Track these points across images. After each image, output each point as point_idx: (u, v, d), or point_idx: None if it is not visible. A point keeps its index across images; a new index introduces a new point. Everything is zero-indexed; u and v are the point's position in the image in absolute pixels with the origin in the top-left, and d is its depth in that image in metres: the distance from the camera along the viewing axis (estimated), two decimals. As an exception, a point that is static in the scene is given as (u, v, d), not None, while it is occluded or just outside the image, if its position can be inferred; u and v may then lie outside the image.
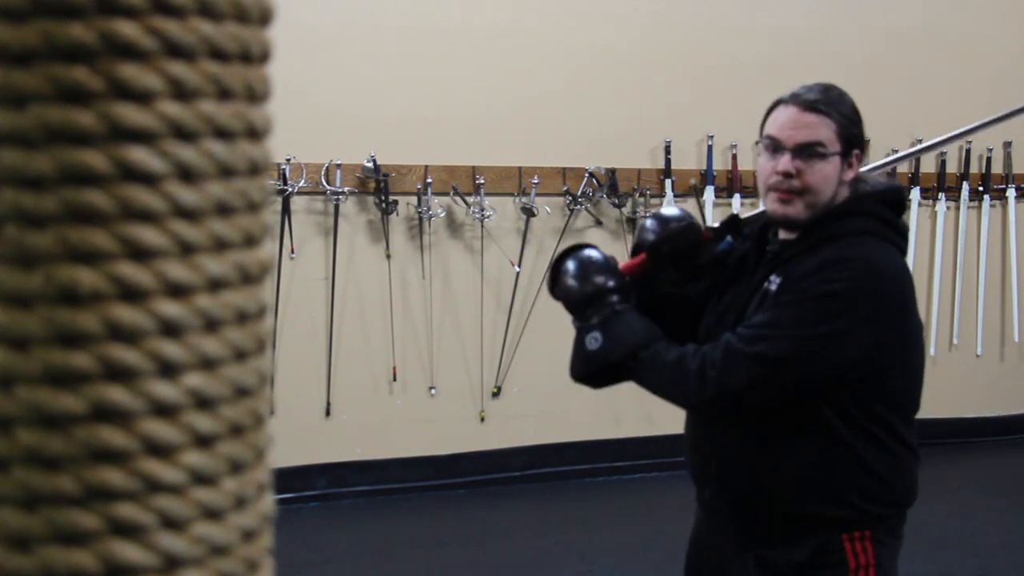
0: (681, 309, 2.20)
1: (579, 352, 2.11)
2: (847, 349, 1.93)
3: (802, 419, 1.99)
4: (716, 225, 2.21)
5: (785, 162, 2.01)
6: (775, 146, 2.03)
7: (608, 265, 2.13)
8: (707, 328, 2.14)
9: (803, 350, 1.93)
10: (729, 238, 2.18)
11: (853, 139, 2.05)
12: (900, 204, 2.12)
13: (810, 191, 2.01)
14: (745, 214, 2.29)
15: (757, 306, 2.03)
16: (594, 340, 2.07)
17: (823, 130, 2.01)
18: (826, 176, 2.02)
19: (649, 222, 2.21)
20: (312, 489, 4.92)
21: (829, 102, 2.03)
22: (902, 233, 2.07)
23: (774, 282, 2.03)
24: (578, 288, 2.11)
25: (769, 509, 2.05)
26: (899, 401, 2.04)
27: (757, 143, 2.11)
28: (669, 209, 2.27)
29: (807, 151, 2.00)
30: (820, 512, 2.01)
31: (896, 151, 5.74)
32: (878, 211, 2.06)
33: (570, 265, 2.13)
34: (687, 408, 2.16)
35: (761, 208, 2.21)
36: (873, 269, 1.95)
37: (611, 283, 2.10)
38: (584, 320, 2.10)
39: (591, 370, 2.10)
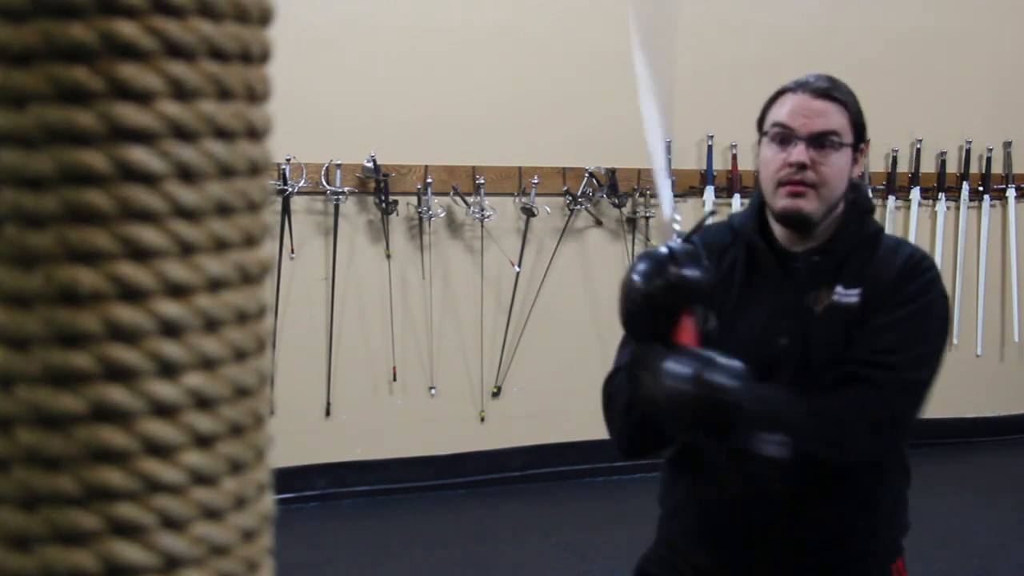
0: None
1: (760, 466, 1.70)
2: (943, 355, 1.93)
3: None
4: (682, 245, 1.67)
5: (799, 152, 1.83)
6: (785, 135, 1.86)
7: (729, 362, 1.61)
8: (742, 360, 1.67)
9: (937, 366, 1.90)
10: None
11: (862, 130, 1.92)
12: None
13: (825, 184, 1.84)
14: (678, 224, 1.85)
15: (841, 325, 1.82)
16: (775, 445, 1.66)
17: (837, 118, 1.87)
18: (840, 168, 1.86)
19: (674, 277, 1.61)
20: (312, 489, 4.92)
21: (839, 89, 1.91)
22: None
23: (847, 295, 1.84)
24: (717, 408, 1.58)
25: (837, 556, 1.89)
26: None
27: (762, 134, 1.92)
28: (674, 254, 1.64)
29: (822, 140, 1.85)
30: (882, 548, 1.93)
31: (896, 151, 5.74)
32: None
33: (684, 372, 1.58)
34: (847, 461, 1.81)
35: (706, 213, 2.00)
36: (937, 269, 1.94)
37: (741, 381, 1.60)
38: (738, 435, 1.65)
39: (785, 469, 1.71)
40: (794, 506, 1.83)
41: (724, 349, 1.63)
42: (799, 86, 1.91)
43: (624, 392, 1.80)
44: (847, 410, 1.76)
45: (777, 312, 1.87)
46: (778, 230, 1.93)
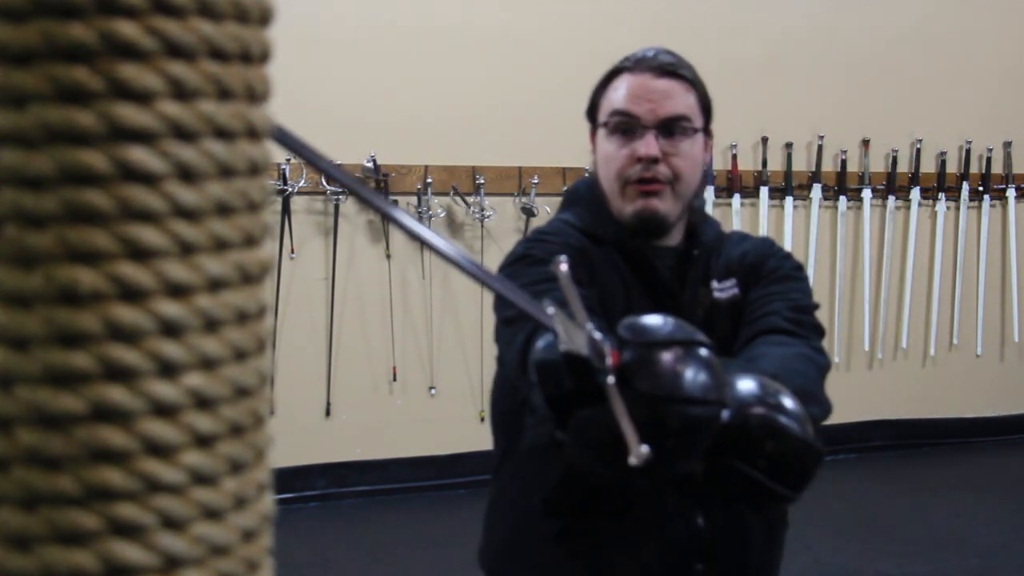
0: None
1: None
2: None
3: None
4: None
5: (648, 143, 1.57)
6: (628, 125, 1.59)
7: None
8: None
9: None
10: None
11: (709, 111, 1.65)
12: None
13: (680, 179, 1.59)
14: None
15: (729, 318, 1.63)
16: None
17: (686, 99, 1.60)
18: (694, 158, 1.61)
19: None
20: (312, 489, 4.92)
21: (683, 65, 1.63)
22: None
23: (726, 287, 1.65)
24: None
25: None
26: None
27: (598, 125, 1.63)
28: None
29: (672, 127, 1.59)
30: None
31: (896, 151, 5.74)
32: None
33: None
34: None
35: (553, 228, 1.66)
36: None
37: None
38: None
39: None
40: (735, 524, 1.57)
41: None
42: (638, 63, 1.62)
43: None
44: (807, 374, 1.45)
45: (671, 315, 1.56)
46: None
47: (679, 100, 1.59)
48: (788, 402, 1.11)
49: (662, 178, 1.58)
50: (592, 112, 1.68)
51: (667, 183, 1.58)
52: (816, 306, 1.63)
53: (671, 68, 1.60)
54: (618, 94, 1.61)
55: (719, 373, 1.01)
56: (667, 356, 0.97)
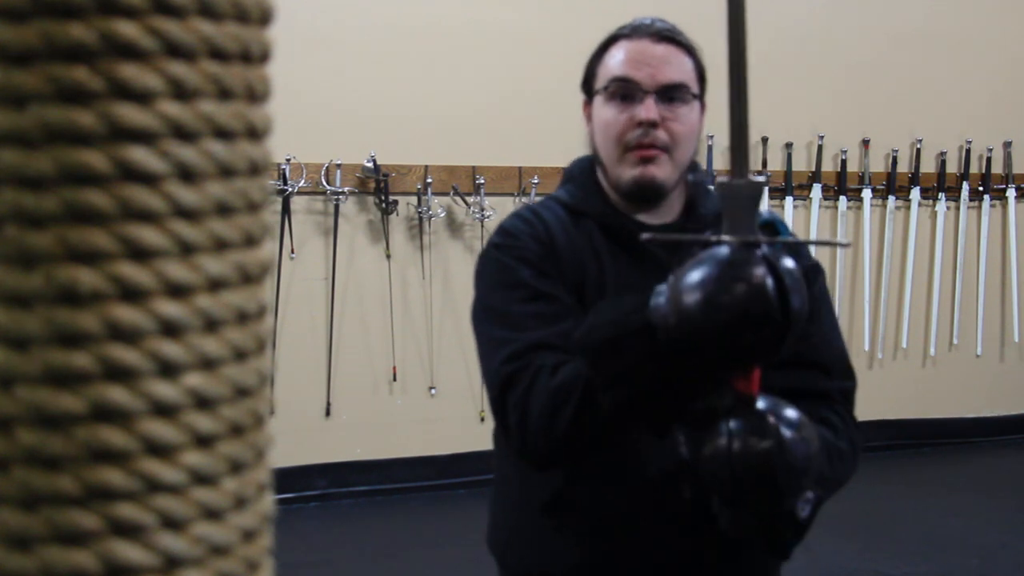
0: None
1: (791, 531, 1.37)
2: None
3: None
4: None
5: (649, 107, 1.55)
6: (628, 90, 1.58)
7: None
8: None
9: None
10: None
11: (704, 79, 1.65)
12: None
13: (678, 145, 1.58)
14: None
15: None
16: (808, 504, 1.35)
17: (684, 66, 1.60)
18: (692, 126, 1.60)
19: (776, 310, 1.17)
20: (312, 489, 4.92)
21: (680, 32, 1.64)
22: None
23: None
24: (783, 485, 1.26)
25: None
26: None
27: (595, 92, 1.62)
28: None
29: (672, 93, 1.58)
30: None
31: (896, 151, 5.74)
32: None
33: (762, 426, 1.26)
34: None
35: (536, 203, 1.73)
36: None
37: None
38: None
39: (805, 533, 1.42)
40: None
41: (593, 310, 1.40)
42: (636, 30, 1.62)
43: (578, 388, 1.42)
44: (836, 437, 1.54)
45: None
46: (618, 203, 1.65)
47: (678, 66, 1.59)
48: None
49: (660, 144, 1.57)
50: (588, 83, 1.66)
51: (665, 149, 1.57)
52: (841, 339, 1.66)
53: (669, 34, 1.60)
54: (616, 60, 1.60)
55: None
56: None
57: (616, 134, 1.58)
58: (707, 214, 1.63)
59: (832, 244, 1.39)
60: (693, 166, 1.68)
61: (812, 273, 1.61)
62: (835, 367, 1.61)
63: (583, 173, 1.72)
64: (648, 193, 1.59)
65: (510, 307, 1.58)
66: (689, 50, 1.63)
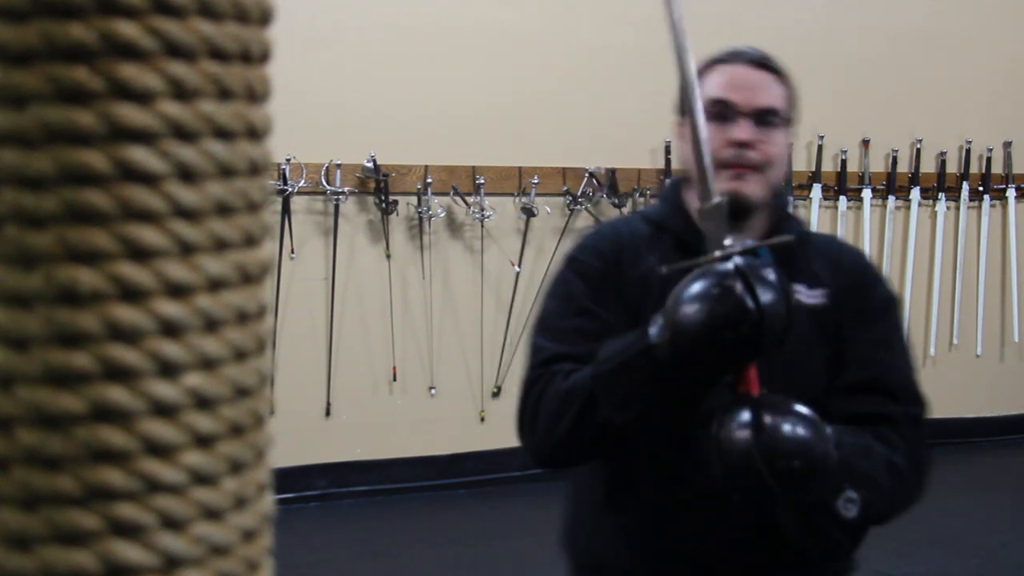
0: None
1: (835, 529, 1.47)
2: None
3: None
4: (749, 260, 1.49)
5: (745, 128, 1.65)
6: (725, 112, 1.67)
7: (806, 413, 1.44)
8: None
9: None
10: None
11: (795, 107, 1.76)
12: None
13: (771, 165, 1.68)
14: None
15: (811, 327, 1.65)
16: (851, 504, 1.46)
17: (778, 92, 1.71)
18: (782, 149, 1.71)
19: (753, 314, 1.34)
20: (312, 489, 4.92)
21: (773, 59, 1.74)
22: None
23: (811, 295, 1.68)
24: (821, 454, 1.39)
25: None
26: None
27: (686, 115, 1.64)
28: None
29: (766, 117, 1.68)
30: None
31: (896, 151, 5.74)
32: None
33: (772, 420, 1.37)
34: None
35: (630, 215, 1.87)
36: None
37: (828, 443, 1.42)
38: (833, 493, 1.46)
39: (862, 536, 1.53)
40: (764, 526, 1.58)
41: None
42: (734, 55, 1.72)
43: (582, 395, 1.55)
44: (897, 455, 1.60)
45: None
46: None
47: (772, 92, 1.69)
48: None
49: (753, 163, 1.66)
50: (683, 103, 1.69)
51: (757, 168, 1.67)
52: (912, 360, 1.74)
53: (764, 61, 1.71)
54: (714, 83, 1.69)
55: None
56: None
57: (712, 152, 1.61)
58: (791, 220, 1.75)
59: (776, 244, 1.50)
60: (777, 192, 1.77)
61: (887, 304, 1.75)
62: (902, 393, 1.68)
63: (671, 191, 1.81)
64: (737, 207, 1.62)
65: (556, 318, 1.72)
66: (782, 77, 1.73)
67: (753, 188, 1.67)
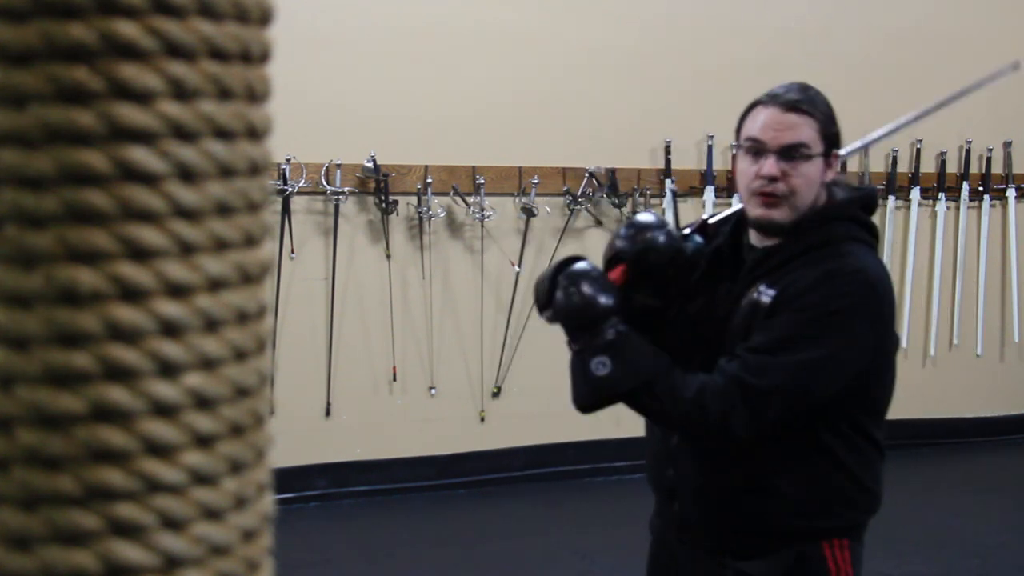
0: (653, 322, 2.02)
1: (584, 378, 1.91)
2: (850, 365, 1.91)
3: (790, 432, 1.93)
4: (687, 230, 2.08)
5: (770, 165, 1.95)
6: (757, 148, 1.97)
7: (606, 281, 1.93)
8: (681, 339, 2.01)
9: (816, 374, 1.89)
10: (699, 239, 2.05)
11: (833, 138, 2.02)
12: (874, 208, 2.11)
13: (795, 194, 1.96)
14: (713, 217, 2.18)
15: (748, 319, 1.95)
16: (602, 365, 1.88)
17: (806, 130, 1.97)
18: (810, 178, 1.97)
19: (623, 230, 2.00)
20: (312, 489, 4.92)
21: (809, 101, 1.99)
22: (877, 237, 2.08)
23: (766, 293, 1.95)
24: (577, 306, 1.90)
25: (754, 524, 2.00)
26: (879, 408, 2.05)
27: (738, 146, 2.04)
28: (643, 216, 2.06)
29: (792, 153, 1.95)
30: (807, 525, 1.97)
31: (896, 151, 5.75)
32: (859, 216, 2.04)
33: (564, 281, 1.92)
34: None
35: (731, 209, 2.16)
36: (871, 282, 1.94)
37: (611, 301, 1.90)
38: (586, 342, 1.90)
39: (600, 398, 1.92)
40: (711, 465, 2.02)
41: (672, 324, 2.03)
42: (771, 98, 2.01)
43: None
44: (712, 396, 1.88)
45: (714, 301, 2.03)
46: (753, 230, 2.09)
47: (800, 131, 1.96)
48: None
49: (779, 193, 1.96)
50: (737, 134, 2.06)
51: (783, 197, 1.96)
52: (789, 356, 1.91)
53: (796, 104, 1.97)
54: (754, 124, 2.00)
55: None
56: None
57: (746, 182, 2.00)
58: (789, 247, 1.98)
59: (693, 226, 1.90)
60: (831, 193, 2.05)
61: (814, 311, 1.93)
62: (753, 367, 1.89)
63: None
64: (767, 229, 2.01)
65: None
66: (814, 116, 1.98)
67: (780, 214, 1.97)
